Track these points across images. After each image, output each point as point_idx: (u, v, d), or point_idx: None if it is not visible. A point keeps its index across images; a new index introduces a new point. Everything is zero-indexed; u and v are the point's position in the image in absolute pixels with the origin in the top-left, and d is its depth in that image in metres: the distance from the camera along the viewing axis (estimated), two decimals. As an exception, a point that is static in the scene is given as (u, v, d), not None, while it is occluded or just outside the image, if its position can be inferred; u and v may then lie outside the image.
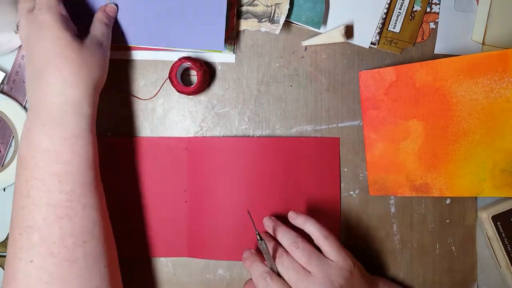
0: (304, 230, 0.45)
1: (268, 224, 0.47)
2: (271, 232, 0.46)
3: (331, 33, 0.49)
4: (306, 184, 0.50)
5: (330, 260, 0.43)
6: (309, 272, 0.42)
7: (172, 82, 0.48)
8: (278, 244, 0.45)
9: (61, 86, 0.40)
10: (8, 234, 0.51)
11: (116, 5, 0.48)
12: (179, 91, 0.48)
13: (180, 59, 0.47)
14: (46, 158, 0.39)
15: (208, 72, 0.49)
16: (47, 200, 0.39)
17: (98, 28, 0.45)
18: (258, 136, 0.51)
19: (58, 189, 0.39)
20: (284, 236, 0.44)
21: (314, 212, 0.50)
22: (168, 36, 0.48)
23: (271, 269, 0.43)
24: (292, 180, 0.50)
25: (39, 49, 0.41)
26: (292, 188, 0.50)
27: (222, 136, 0.50)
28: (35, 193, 0.39)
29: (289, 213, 0.47)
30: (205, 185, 0.50)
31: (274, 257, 0.43)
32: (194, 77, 0.51)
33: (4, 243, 0.51)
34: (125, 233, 0.50)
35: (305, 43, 0.50)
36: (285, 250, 0.44)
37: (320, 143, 0.50)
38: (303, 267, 0.42)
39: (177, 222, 0.50)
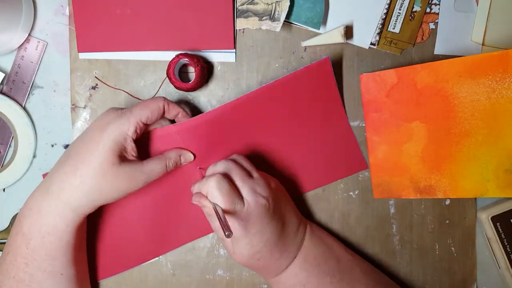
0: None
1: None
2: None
3: (330, 34, 0.49)
4: (310, 121, 0.50)
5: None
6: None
7: (170, 78, 0.48)
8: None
9: (62, 183, 0.41)
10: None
11: (194, 155, 0.47)
12: (177, 88, 0.48)
13: (177, 56, 0.47)
14: (21, 239, 0.42)
15: (206, 68, 0.49)
16: (14, 274, 0.42)
17: (157, 166, 0.44)
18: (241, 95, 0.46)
19: (23, 269, 0.42)
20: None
21: (328, 143, 0.51)
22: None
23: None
24: (295, 123, 0.49)
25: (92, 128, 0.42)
26: (299, 131, 0.50)
27: (208, 111, 0.46)
28: (8, 263, 0.42)
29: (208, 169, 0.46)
30: (215, 157, 0.48)
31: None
32: (192, 74, 0.51)
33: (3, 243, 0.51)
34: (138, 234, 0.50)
35: (305, 43, 0.50)
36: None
37: (312, 71, 0.47)
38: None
39: None
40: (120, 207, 0.49)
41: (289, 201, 0.48)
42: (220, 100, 0.51)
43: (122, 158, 0.42)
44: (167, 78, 0.49)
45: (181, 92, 0.50)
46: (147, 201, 0.49)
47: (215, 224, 0.43)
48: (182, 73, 0.51)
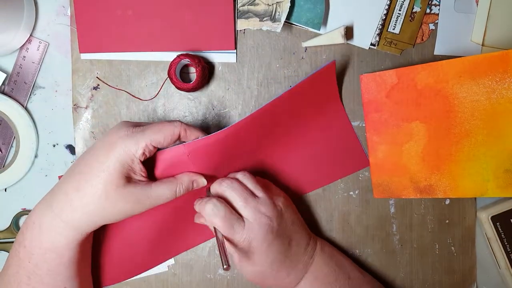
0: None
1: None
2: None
3: (331, 34, 0.49)
4: (314, 125, 0.50)
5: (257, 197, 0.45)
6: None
7: (171, 79, 0.48)
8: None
9: (63, 203, 0.40)
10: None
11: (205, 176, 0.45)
12: (178, 88, 0.48)
13: (178, 56, 0.47)
14: (23, 253, 0.41)
15: (207, 68, 0.49)
16: (16, 286, 0.41)
17: (165, 191, 0.41)
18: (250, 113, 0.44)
19: (26, 282, 0.41)
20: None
21: (330, 144, 0.51)
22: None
23: None
24: (300, 129, 0.49)
25: (96, 148, 0.41)
26: (303, 135, 0.50)
27: (219, 131, 0.43)
28: (10, 275, 0.42)
29: (211, 186, 0.46)
30: (223, 174, 0.48)
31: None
32: (193, 74, 0.51)
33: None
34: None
35: (305, 44, 0.50)
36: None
37: (318, 77, 0.46)
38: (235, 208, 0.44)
39: None
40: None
41: (298, 218, 0.48)
42: (221, 100, 0.51)
43: (129, 179, 0.40)
44: (168, 78, 0.49)
45: (182, 92, 0.51)
46: (153, 213, 0.47)
47: (221, 239, 0.43)
48: (183, 73, 0.51)
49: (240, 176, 0.46)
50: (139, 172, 0.41)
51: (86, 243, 0.43)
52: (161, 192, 0.41)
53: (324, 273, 0.47)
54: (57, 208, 0.40)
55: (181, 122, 0.42)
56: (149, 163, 0.43)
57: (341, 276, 0.47)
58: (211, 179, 0.46)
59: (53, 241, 0.40)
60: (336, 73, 0.51)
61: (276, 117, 0.46)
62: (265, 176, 0.49)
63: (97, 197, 0.39)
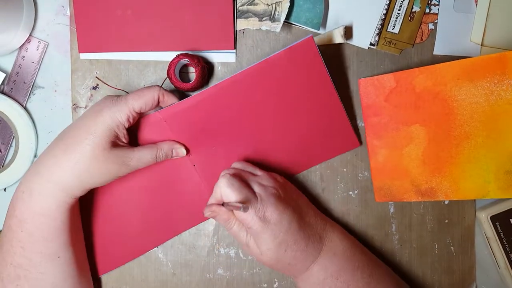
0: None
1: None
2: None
3: (330, 34, 0.49)
4: (300, 101, 0.48)
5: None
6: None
7: (170, 79, 0.48)
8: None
9: (52, 165, 0.42)
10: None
11: (187, 150, 0.48)
12: (177, 88, 0.49)
13: (178, 56, 0.47)
14: (15, 223, 0.43)
15: (206, 68, 0.49)
16: (11, 260, 0.43)
17: (146, 155, 0.45)
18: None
19: (20, 254, 0.43)
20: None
21: (318, 122, 0.49)
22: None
23: None
24: (285, 104, 0.48)
25: (84, 117, 0.43)
26: (289, 112, 0.48)
27: (193, 95, 0.46)
28: (5, 251, 0.43)
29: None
30: (205, 144, 0.49)
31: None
32: (192, 74, 0.51)
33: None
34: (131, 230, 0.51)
35: (305, 44, 0.50)
36: None
37: (295, 52, 0.46)
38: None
39: (194, 187, 0.50)
40: (113, 199, 0.49)
41: (301, 196, 0.49)
42: (220, 100, 0.51)
43: (114, 143, 0.43)
44: (167, 78, 0.50)
45: (181, 92, 0.51)
46: (140, 193, 0.50)
47: (234, 229, 0.44)
48: (183, 73, 0.51)
49: (235, 164, 0.48)
50: (122, 138, 0.44)
51: (75, 211, 0.45)
52: (143, 155, 0.45)
53: (342, 247, 0.47)
54: (46, 172, 0.42)
55: (160, 86, 0.45)
56: (131, 133, 0.46)
57: (357, 252, 0.48)
58: (194, 150, 0.48)
59: (43, 204, 0.42)
60: (335, 72, 0.51)
61: (254, 88, 0.47)
62: (254, 158, 0.50)
63: (85, 158, 0.42)
